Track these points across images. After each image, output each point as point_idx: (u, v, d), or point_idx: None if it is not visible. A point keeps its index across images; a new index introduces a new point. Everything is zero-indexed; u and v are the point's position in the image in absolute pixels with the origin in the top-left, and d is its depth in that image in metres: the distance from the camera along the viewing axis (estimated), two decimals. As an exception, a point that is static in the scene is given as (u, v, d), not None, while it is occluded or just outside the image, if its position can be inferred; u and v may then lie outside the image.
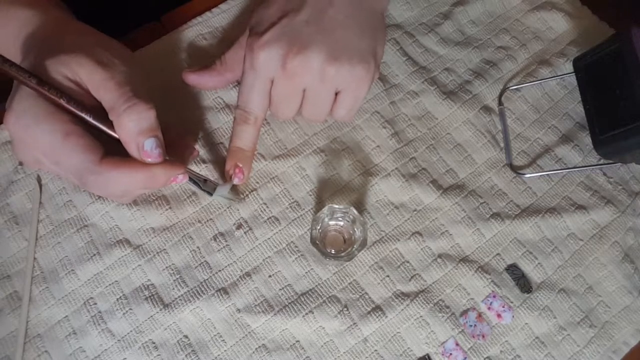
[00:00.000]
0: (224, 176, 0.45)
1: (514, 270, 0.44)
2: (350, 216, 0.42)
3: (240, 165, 0.44)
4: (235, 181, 0.44)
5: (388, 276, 0.43)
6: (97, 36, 0.42)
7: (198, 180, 0.43)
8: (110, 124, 0.39)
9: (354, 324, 0.42)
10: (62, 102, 0.37)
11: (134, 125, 0.37)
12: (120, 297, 0.42)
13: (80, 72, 0.38)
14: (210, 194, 0.43)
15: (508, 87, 0.51)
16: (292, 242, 0.44)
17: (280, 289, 0.43)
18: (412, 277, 0.44)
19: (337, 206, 0.42)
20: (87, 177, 0.37)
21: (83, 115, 0.38)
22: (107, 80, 0.37)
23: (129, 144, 0.38)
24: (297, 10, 0.42)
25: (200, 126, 0.47)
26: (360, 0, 0.44)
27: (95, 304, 0.41)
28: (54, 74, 0.38)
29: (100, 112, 0.39)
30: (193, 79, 0.48)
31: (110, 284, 0.42)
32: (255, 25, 0.44)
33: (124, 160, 0.38)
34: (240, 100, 0.44)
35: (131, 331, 0.41)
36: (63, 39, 0.40)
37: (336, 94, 0.43)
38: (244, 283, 0.43)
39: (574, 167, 0.48)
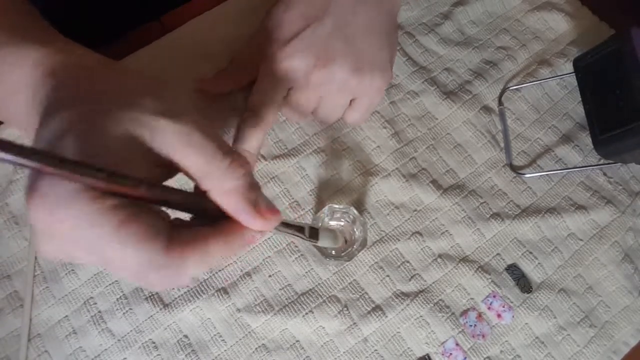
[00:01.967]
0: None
1: (514, 270, 0.44)
2: (350, 216, 0.42)
3: None
4: None
5: (388, 276, 0.43)
6: (135, 76, 0.30)
7: (299, 231, 0.36)
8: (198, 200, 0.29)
9: (354, 323, 0.42)
10: (142, 191, 0.26)
11: (242, 184, 0.28)
12: (120, 296, 0.42)
13: (141, 131, 0.27)
14: (316, 241, 0.37)
15: (508, 87, 0.51)
16: (292, 241, 0.44)
17: (280, 289, 0.43)
18: (412, 277, 0.44)
19: (337, 206, 0.42)
20: (151, 275, 0.27)
21: (171, 197, 0.28)
22: (186, 134, 0.27)
23: (242, 208, 0.29)
24: (321, 19, 0.42)
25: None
26: (380, 5, 0.44)
27: (96, 303, 0.41)
28: (112, 136, 0.26)
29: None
30: (209, 86, 0.47)
31: (110, 284, 0.42)
32: (274, 30, 0.43)
33: (196, 232, 0.28)
34: (253, 104, 0.43)
35: (131, 331, 0.41)
36: (102, 85, 0.28)
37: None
38: (244, 283, 0.43)
39: (574, 167, 0.48)
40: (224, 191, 0.28)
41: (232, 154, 0.28)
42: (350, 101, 0.44)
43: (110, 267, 0.27)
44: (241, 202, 0.28)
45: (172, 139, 0.27)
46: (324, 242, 0.38)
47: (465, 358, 0.41)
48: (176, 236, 0.27)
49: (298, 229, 0.36)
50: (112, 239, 0.25)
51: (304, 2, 0.43)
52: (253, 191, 0.29)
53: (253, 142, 0.44)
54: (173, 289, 0.42)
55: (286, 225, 0.34)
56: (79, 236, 0.25)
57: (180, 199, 0.28)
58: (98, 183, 0.24)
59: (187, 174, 0.28)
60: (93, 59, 0.31)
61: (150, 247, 0.26)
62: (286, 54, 0.41)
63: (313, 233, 0.37)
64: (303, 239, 0.36)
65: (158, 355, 0.40)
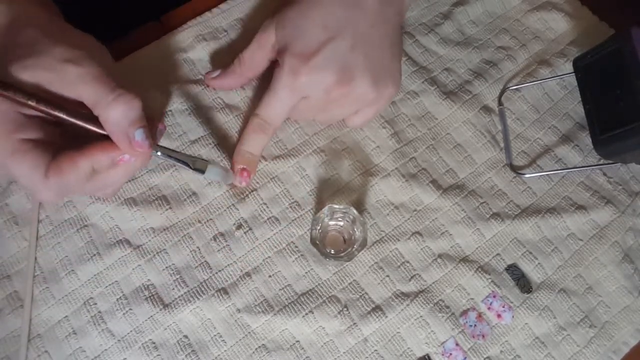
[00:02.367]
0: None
1: (514, 270, 0.44)
2: (350, 216, 0.42)
3: (246, 168, 0.44)
4: (242, 184, 0.44)
5: (388, 276, 0.43)
6: (65, 35, 0.39)
7: (186, 160, 0.41)
8: (87, 119, 0.37)
9: (354, 324, 0.42)
10: (32, 103, 0.35)
11: (123, 117, 0.36)
12: (120, 297, 0.42)
13: (45, 74, 0.35)
14: (202, 172, 0.41)
15: (508, 87, 0.51)
16: (292, 242, 0.44)
17: (280, 289, 0.43)
18: (412, 277, 0.44)
19: (337, 206, 0.42)
20: (42, 194, 0.36)
21: (57, 113, 0.36)
22: (83, 75, 0.35)
23: (118, 136, 0.37)
24: (343, 33, 0.42)
25: (200, 126, 0.47)
26: (390, 17, 0.45)
27: (95, 304, 0.41)
28: (15, 79, 0.36)
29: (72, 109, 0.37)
30: (216, 83, 0.48)
31: (110, 284, 0.42)
32: (294, 40, 0.42)
33: (66, 158, 0.36)
34: (264, 110, 0.44)
35: (131, 331, 0.41)
36: (28, 41, 0.37)
37: None
38: (244, 283, 0.43)
39: (574, 167, 0.48)
40: (106, 118, 0.36)
41: (117, 92, 0.36)
42: None
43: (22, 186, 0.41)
44: (116, 129, 0.36)
45: (72, 79, 0.35)
46: (212, 175, 0.42)
47: (465, 358, 0.41)
48: (54, 164, 0.35)
49: (186, 159, 0.41)
50: (8, 165, 0.35)
51: (322, 10, 0.42)
52: (131, 125, 0.36)
53: (257, 146, 0.45)
54: (173, 289, 0.42)
55: (171, 154, 0.40)
56: None
57: (69, 117, 0.36)
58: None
59: (86, 101, 0.36)
60: (33, 23, 0.38)
61: (32, 174, 0.35)
62: (309, 69, 0.41)
63: (201, 165, 0.41)
64: (189, 168, 0.41)
65: (158, 355, 0.40)
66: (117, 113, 0.36)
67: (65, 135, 0.38)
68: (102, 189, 0.40)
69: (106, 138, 0.37)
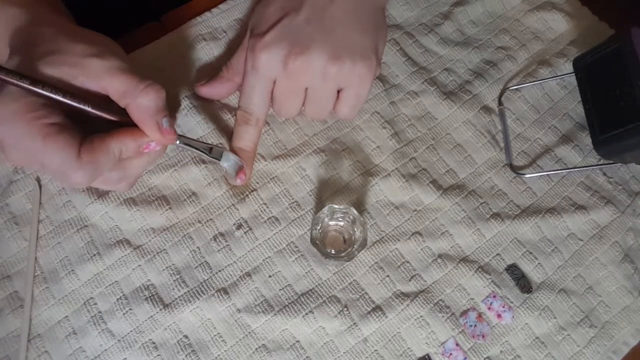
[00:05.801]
0: (225, 177, 0.45)
1: (514, 270, 0.44)
2: (350, 216, 0.42)
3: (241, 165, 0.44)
4: (237, 182, 0.44)
5: (388, 276, 0.43)
6: (83, 34, 0.40)
7: (204, 148, 0.43)
8: (110, 111, 0.38)
9: (354, 324, 0.42)
10: (59, 97, 0.36)
11: (153, 105, 0.38)
12: (120, 297, 0.42)
13: (70, 69, 0.37)
14: (219, 159, 0.43)
15: (508, 87, 0.51)
16: (292, 242, 0.44)
17: (280, 289, 0.43)
18: (412, 277, 0.44)
19: (337, 206, 0.42)
20: (73, 175, 0.37)
21: (82, 106, 0.37)
22: (109, 68, 0.37)
23: (148, 123, 0.38)
24: (298, 9, 0.42)
25: (199, 126, 0.47)
26: None
27: (96, 304, 0.41)
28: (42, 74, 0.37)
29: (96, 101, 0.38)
30: (206, 91, 0.47)
31: (110, 284, 0.42)
32: (255, 25, 0.44)
33: (97, 140, 0.37)
34: (241, 101, 0.44)
35: (131, 331, 0.41)
36: (48, 39, 0.38)
37: (339, 91, 0.44)
38: (244, 283, 0.43)
39: (574, 167, 0.48)
40: (137, 106, 0.38)
41: (146, 82, 0.38)
42: (339, 94, 0.44)
43: (47, 171, 0.41)
44: (146, 117, 0.38)
45: (98, 71, 0.37)
46: (227, 162, 0.43)
47: (465, 358, 0.41)
48: (86, 145, 0.36)
49: (203, 147, 0.43)
50: (40, 149, 0.35)
51: None
52: (159, 113, 0.39)
53: (247, 140, 0.44)
54: (173, 289, 0.42)
55: (189, 143, 0.42)
56: (22, 146, 0.36)
57: (93, 109, 0.38)
58: (24, 85, 0.35)
59: (112, 97, 0.38)
60: (51, 20, 0.40)
61: (65, 155, 0.36)
62: (262, 45, 0.42)
63: (217, 153, 0.43)
64: (206, 155, 0.43)
65: (158, 355, 0.40)
66: (147, 101, 0.38)
67: (85, 125, 0.39)
68: (122, 179, 0.41)
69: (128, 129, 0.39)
